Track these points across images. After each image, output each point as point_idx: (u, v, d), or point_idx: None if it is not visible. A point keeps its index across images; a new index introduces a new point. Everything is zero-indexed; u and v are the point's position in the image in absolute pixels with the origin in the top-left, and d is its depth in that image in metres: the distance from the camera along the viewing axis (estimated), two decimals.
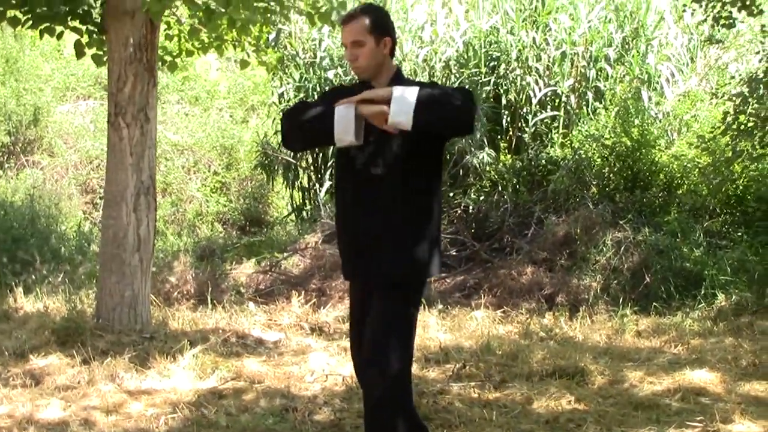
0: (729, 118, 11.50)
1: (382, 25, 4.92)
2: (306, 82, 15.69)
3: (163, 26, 9.72)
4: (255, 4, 9.02)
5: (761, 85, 11.30)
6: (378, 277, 4.89)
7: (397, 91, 4.62)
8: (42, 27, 9.13)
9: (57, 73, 18.97)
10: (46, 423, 6.52)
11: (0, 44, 18.64)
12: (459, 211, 13.72)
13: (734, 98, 11.65)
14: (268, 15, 9.42)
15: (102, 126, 17.23)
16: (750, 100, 11.20)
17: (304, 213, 16.05)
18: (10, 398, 7.10)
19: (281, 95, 16.26)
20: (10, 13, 9.05)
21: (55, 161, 16.93)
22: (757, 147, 11.44)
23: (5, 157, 16.70)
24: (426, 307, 10.61)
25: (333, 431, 6.28)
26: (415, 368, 7.84)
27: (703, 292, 11.00)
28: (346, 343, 8.62)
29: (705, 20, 12.00)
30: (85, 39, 9.36)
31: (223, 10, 8.86)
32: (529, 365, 7.89)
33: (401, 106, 4.57)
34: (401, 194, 4.85)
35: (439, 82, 14.85)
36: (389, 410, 4.78)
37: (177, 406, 6.84)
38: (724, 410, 6.61)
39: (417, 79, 13.54)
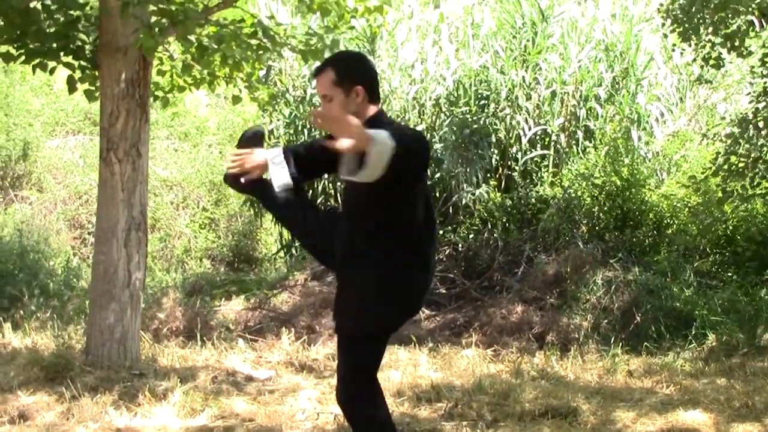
0: (720, 159, 11.49)
1: (350, 75, 4.87)
2: (296, 119, 15.69)
3: (155, 62, 9.69)
4: (247, 41, 9.05)
5: (751, 126, 11.32)
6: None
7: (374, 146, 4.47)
8: (35, 62, 9.14)
9: (47, 108, 18.94)
10: None
11: None
12: (449, 249, 13.73)
13: (725, 139, 11.66)
14: (261, 52, 9.42)
15: (91, 161, 17.23)
16: (740, 141, 11.21)
17: (293, 250, 16.00)
18: None
19: (271, 131, 16.25)
20: (3, 48, 9.05)
21: (43, 196, 16.88)
22: (748, 187, 11.44)
23: None
24: (416, 344, 10.62)
25: None
26: (406, 407, 7.88)
27: (693, 332, 10.99)
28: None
29: (695, 60, 12.06)
30: (77, 74, 9.34)
31: (216, 47, 8.89)
32: (521, 405, 7.84)
33: (377, 161, 4.48)
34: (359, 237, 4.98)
35: (429, 121, 14.91)
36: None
37: None
38: None
39: (399, 120, 13.70)
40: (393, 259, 4.89)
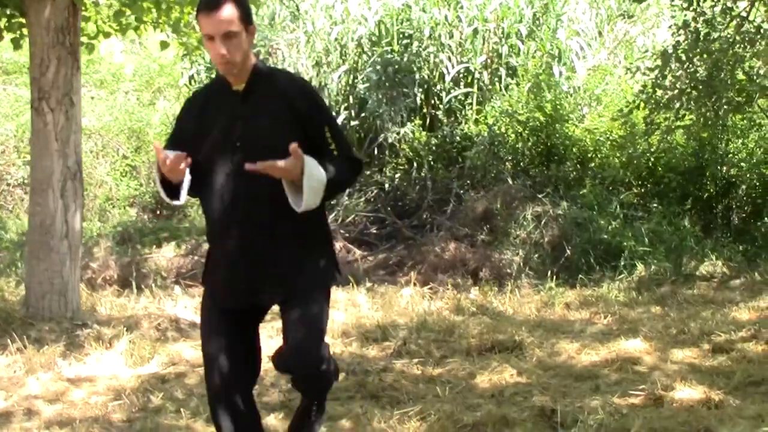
0: (646, 92, 11.59)
1: (250, 12, 4.28)
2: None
3: None
4: None
5: (673, 58, 11.45)
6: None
7: (308, 175, 4.15)
8: None
9: None
10: None
11: None
12: (376, 189, 13.76)
13: (648, 72, 11.77)
14: None
15: (5, 111, 16.92)
16: (666, 73, 11.34)
17: None
18: None
19: (192, 77, 16.10)
20: None
21: None
22: (672, 119, 11.60)
23: None
24: (354, 284, 10.68)
25: (284, 412, 6.20)
26: (354, 347, 7.96)
27: (623, 263, 11.20)
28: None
29: None
30: (3, 22, 9.14)
31: None
32: (467, 340, 7.94)
33: (314, 191, 4.17)
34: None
35: (351, 62, 14.83)
36: (325, 392, 4.84)
37: (121, 392, 6.75)
38: (664, 377, 6.71)
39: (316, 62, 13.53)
40: (322, 209, 4.49)
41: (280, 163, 4.09)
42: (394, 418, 6.01)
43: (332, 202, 13.59)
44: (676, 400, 6.21)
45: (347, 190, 4.17)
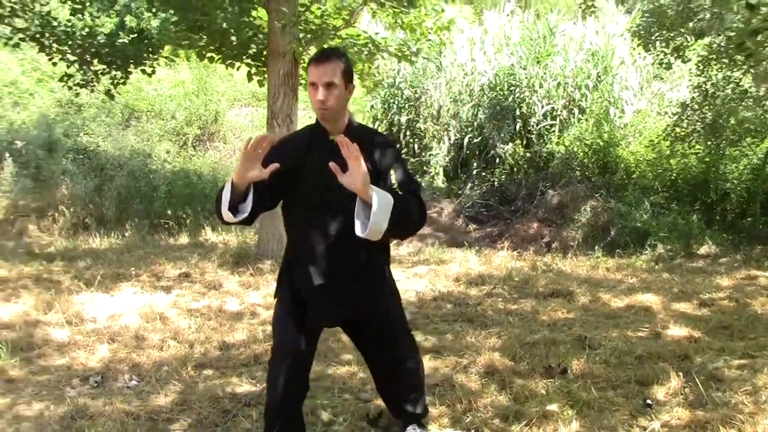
0: (669, 129, 11.36)
1: (351, 72, 3.51)
2: (389, 98, 15.67)
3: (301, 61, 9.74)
4: (362, 48, 9.06)
5: (688, 108, 11.18)
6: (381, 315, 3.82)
7: (376, 197, 3.29)
8: (228, 62, 9.29)
9: (229, 89, 18.90)
10: (230, 313, 6.72)
11: (196, 72, 18.81)
12: (488, 185, 13.71)
13: (672, 116, 11.54)
14: (370, 55, 9.41)
15: (257, 123, 17.34)
16: (682, 117, 11.08)
17: None
18: (207, 295, 7.31)
19: (372, 106, 16.27)
20: (209, 54, 9.22)
21: (227, 146, 16.92)
22: (687, 148, 11.32)
23: (198, 143, 16.80)
24: (468, 247, 10.69)
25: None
26: (462, 287, 7.95)
27: (648, 243, 10.91)
28: None
29: (653, 63, 11.86)
30: (253, 70, 9.45)
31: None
32: (536, 288, 7.90)
33: (383, 212, 3.31)
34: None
35: (476, 101, 14.74)
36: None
37: None
38: (664, 320, 6.59)
39: (451, 98, 13.39)
40: (388, 247, 3.82)
41: (358, 161, 3.27)
42: (481, 335, 6.07)
43: (459, 191, 13.65)
44: (669, 335, 6.10)
45: (417, 227, 3.57)
